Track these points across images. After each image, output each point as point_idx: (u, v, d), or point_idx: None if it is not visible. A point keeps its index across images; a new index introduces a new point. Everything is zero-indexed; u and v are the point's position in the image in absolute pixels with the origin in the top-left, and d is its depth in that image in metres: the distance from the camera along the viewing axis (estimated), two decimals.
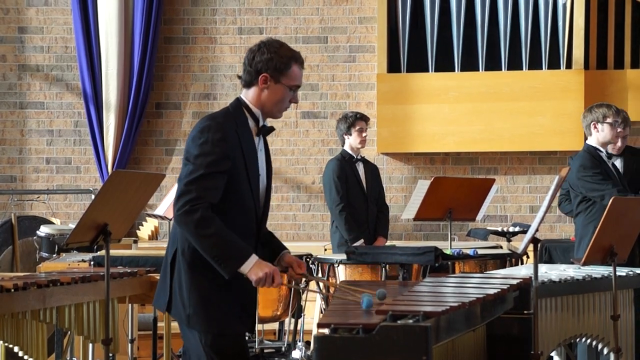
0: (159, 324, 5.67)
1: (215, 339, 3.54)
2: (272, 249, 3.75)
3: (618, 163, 5.94)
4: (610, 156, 5.88)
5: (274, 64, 3.59)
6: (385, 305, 3.13)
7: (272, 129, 3.72)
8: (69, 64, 9.52)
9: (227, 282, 3.54)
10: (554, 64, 8.93)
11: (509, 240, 7.49)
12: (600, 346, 4.69)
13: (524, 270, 4.71)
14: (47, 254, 7.02)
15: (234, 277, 3.52)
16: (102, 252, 4.57)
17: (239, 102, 3.67)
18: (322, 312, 5.82)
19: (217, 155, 3.49)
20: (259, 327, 5.53)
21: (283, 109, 3.68)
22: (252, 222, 3.63)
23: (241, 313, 3.62)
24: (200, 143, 3.51)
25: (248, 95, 3.66)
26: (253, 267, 3.47)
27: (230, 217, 3.52)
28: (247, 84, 3.65)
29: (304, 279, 4.67)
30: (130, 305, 5.59)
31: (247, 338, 4.34)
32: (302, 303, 5.71)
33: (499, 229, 7.66)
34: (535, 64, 8.95)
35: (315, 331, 3.60)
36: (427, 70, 9.03)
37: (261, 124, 3.68)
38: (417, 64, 9.06)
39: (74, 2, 9.23)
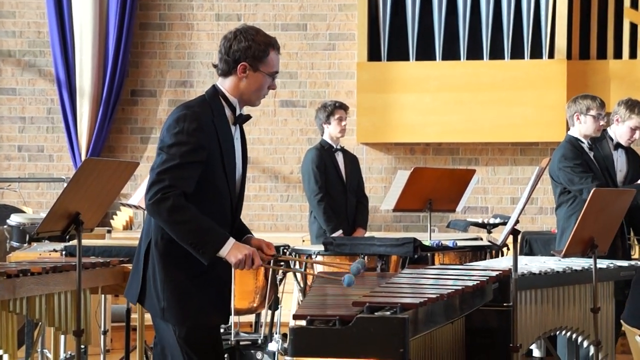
0: (132, 316, 5.65)
1: (189, 332, 3.53)
2: (237, 234, 3.74)
3: (621, 155, 5.97)
4: (617, 147, 5.93)
5: (252, 52, 3.57)
6: (363, 296, 3.13)
7: (248, 117, 3.71)
8: (41, 49, 9.45)
9: (202, 273, 3.53)
10: (536, 54, 8.96)
11: (489, 232, 7.52)
12: (580, 339, 4.72)
13: (504, 262, 4.73)
14: (17, 244, 6.97)
15: (209, 268, 3.51)
16: (74, 242, 4.55)
17: (215, 90, 3.65)
18: (299, 304, 5.82)
19: (193, 145, 3.48)
20: (234, 319, 5.53)
21: (262, 97, 3.68)
22: (227, 211, 3.63)
23: (216, 304, 3.61)
24: (175, 132, 3.49)
25: (225, 84, 3.64)
26: (232, 250, 3.47)
27: (206, 206, 3.51)
28: (225, 73, 3.63)
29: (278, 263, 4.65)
30: (103, 296, 5.57)
31: (221, 330, 4.33)
32: (279, 294, 5.71)
33: (480, 220, 7.69)
34: (517, 54, 8.97)
35: (291, 323, 3.61)
36: (408, 59, 9.03)
37: (238, 112, 3.67)
38: (398, 53, 9.06)
39: None
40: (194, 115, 3.51)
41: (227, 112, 3.64)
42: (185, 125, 3.49)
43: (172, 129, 3.50)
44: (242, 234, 3.74)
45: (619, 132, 5.96)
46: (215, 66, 3.66)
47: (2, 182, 9.34)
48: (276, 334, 5.49)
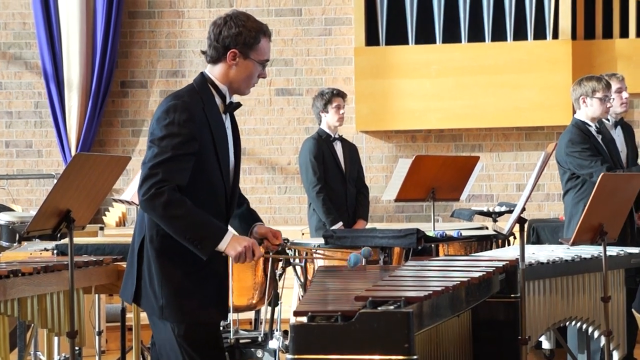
0: (128, 315, 5.66)
1: (188, 329, 3.54)
2: (246, 222, 3.75)
3: (620, 134, 5.98)
4: (615, 125, 5.94)
5: (243, 38, 3.57)
6: (366, 291, 3.14)
7: (238, 105, 3.71)
8: (27, 41, 9.44)
9: (199, 269, 3.54)
10: (539, 35, 8.96)
11: (495, 221, 7.52)
12: (590, 329, 4.73)
13: (511, 252, 4.73)
14: (7, 243, 6.98)
15: (206, 263, 3.52)
16: (66, 240, 4.55)
17: (204, 78, 3.65)
18: (299, 300, 5.83)
19: (184, 136, 3.48)
20: (233, 316, 5.54)
21: (252, 85, 3.69)
22: (221, 202, 3.64)
23: (215, 301, 3.62)
24: (166, 124, 3.49)
25: (214, 72, 3.64)
26: (230, 243, 3.48)
27: (199, 198, 3.52)
28: (214, 60, 3.63)
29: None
30: (96, 295, 5.58)
31: (221, 328, 4.34)
32: (279, 290, 5.71)
33: (485, 209, 7.69)
34: (520, 35, 8.97)
35: (292, 319, 3.61)
36: (407, 43, 9.03)
37: (228, 100, 3.67)
38: (397, 36, 9.06)
39: None
40: (184, 106, 3.51)
41: (217, 100, 3.64)
42: (175, 116, 3.49)
43: (162, 121, 3.50)
44: (252, 221, 3.76)
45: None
46: (204, 53, 3.66)
47: None
48: (277, 331, 5.49)
